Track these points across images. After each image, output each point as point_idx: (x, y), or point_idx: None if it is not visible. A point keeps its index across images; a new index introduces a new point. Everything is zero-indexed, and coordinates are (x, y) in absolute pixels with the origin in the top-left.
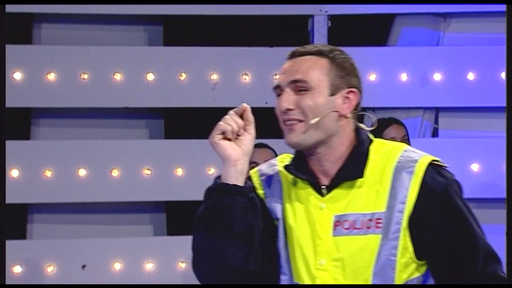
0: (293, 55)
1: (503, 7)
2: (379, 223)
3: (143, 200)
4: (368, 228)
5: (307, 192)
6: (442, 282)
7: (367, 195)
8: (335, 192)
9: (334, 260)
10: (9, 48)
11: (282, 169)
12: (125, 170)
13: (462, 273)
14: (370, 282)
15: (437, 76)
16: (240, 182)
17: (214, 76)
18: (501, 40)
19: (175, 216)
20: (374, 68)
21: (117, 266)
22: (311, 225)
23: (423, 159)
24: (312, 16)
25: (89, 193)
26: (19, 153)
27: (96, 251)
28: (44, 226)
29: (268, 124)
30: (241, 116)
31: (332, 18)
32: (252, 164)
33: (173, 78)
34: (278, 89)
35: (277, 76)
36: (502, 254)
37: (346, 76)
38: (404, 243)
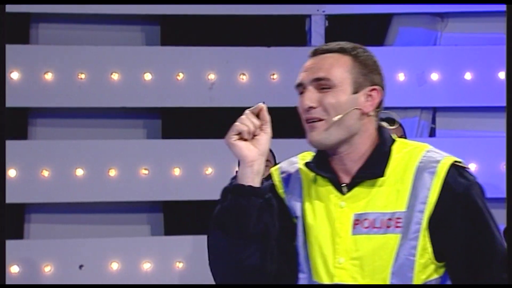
0: (315, 53)
1: (499, 7)
2: (399, 222)
3: (141, 200)
4: (387, 227)
5: (328, 190)
6: (459, 283)
7: (388, 195)
8: (356, 190)
9: (352, 258)
10: (7, 48)
11: (302, 166)
12: (123, 170)
13: (479, 276)
14: (388, 282)
15: (434, 76)
16: (256, 182)
17: (212, 76)
18: (498, 39)
19: (173, 216)
20: None
21: (115, 266)
22: (330, 224)
23: (446, 160)
24: (309, 16)
25: (87, 193)
26: (16, 153)
27: (94, 251)
28: (41, 226)
29: None
30: (257, 115)
31: (329, 18)
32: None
33: (170, 78)
34: (301, 87)
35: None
36: None
37: (369, 74)
38: (424, 243)
